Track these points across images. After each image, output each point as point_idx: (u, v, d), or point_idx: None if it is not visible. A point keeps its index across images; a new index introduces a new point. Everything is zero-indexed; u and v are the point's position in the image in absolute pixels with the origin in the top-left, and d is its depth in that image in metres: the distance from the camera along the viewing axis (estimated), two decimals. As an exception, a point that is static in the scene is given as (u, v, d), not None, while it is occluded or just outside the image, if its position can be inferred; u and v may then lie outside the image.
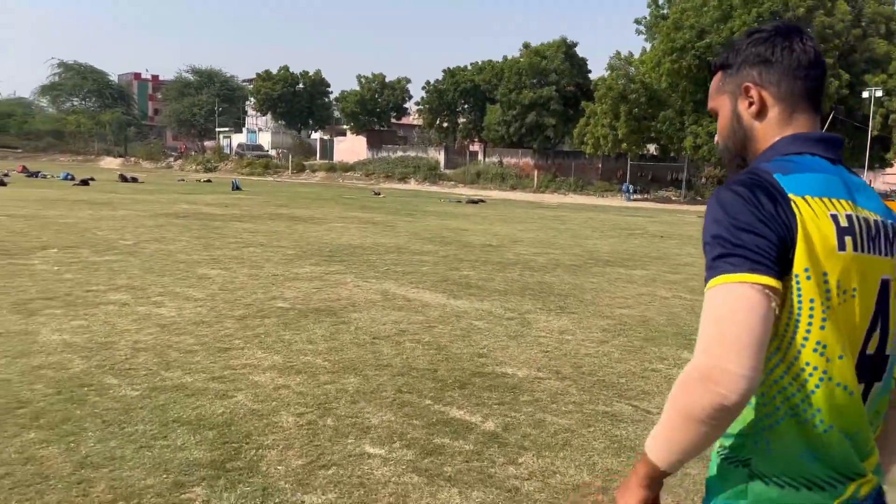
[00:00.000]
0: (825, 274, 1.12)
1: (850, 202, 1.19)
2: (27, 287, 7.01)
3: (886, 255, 1.20)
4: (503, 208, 25.11)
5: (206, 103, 72.93)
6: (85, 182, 26.07)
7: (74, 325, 5.63)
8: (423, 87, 59.14)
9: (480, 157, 48.82)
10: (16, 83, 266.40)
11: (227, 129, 71.05)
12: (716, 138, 1.37)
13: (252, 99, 67.66)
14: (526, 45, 43.94)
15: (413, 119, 68.15)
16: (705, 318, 1.10)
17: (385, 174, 43.91)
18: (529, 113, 41.33)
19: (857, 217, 1.18)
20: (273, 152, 59.04)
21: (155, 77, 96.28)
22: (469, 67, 58.26)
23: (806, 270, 1.11)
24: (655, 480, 1.18)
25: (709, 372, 1.05)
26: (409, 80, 59.34)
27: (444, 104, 58.80)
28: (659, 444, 1.14)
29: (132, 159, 50.40)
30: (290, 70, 65.69)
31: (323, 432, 3.61)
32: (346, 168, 45.99)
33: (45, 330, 5.44)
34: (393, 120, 62.48)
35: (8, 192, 20.22)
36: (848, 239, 1.15)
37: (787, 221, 1.12)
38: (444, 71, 58.80)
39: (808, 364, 1.12)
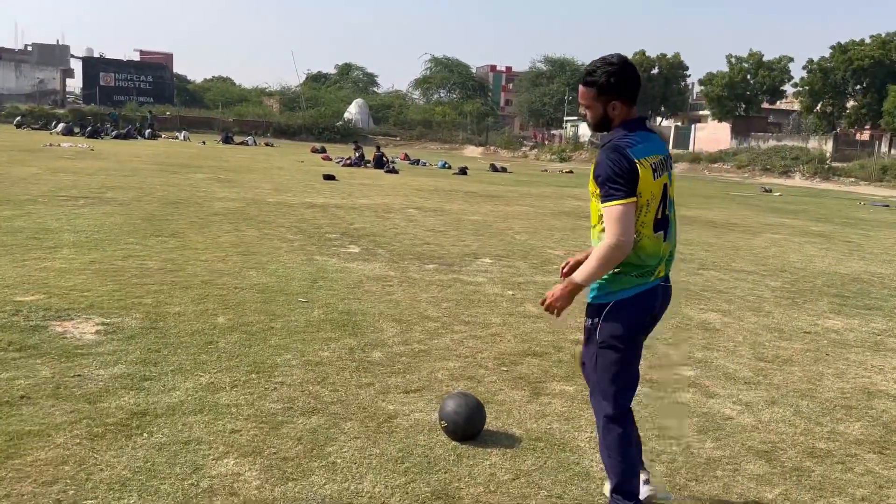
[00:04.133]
0: (652, 193, 2.54)
1: (655, 154, 2.58)
2: (502, 334, 5.27)
3: (664, 173, 2.61)
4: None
5: (557, 92, 73.09)
6: (463, 171, 26.27)
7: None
8: (805, 67, 51.15)
9: (885, 148, 40.04)
10: (393, 79, 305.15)
11: (574, 118, 70.28)
12: (587, 116, 2.68)
13: (604, 86, 65.58)
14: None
15: (786, 104, 59.84)
16: (608, 220, 2.50)
17: (762, 167, 38.27)
18: (973, 93, 32.20)
19: (657, 160, 2.58)
20: (625, 141, 56.34)
21: (508, 68, 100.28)
22: (868, 41, 48.70)
23: (639, 194, 2.50)
24: (576, 293, 2.60)
25: (617, 243, 2.47)
26: (791, 59, 51.63)
27: (829, 86, 50.14)
28: (585, 276, 2.56)
29: (492, 148, 51.94)
30: (647, 54, 62.13)
31: None
32: (713, 159, 41.30)
33: (586, 459, 3.43)
34: (764, 105, 55.20)
35: (402, 181, 20.67)
36: (655, 174, 2.55)
37: (634, 172, 2.49)
38: (832, 47, 50.06)
39: (638, 228, 2.54)
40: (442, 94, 77.79)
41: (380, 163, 26.88)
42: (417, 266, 7.51)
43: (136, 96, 58.56)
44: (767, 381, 4.44)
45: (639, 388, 2.85)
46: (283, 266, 7.02)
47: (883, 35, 47.94)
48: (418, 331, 5.07)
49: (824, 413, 3.92)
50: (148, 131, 38.97)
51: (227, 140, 39.43)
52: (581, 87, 2.62)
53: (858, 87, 49.80)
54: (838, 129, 51.55)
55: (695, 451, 3.38)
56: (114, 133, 35.80)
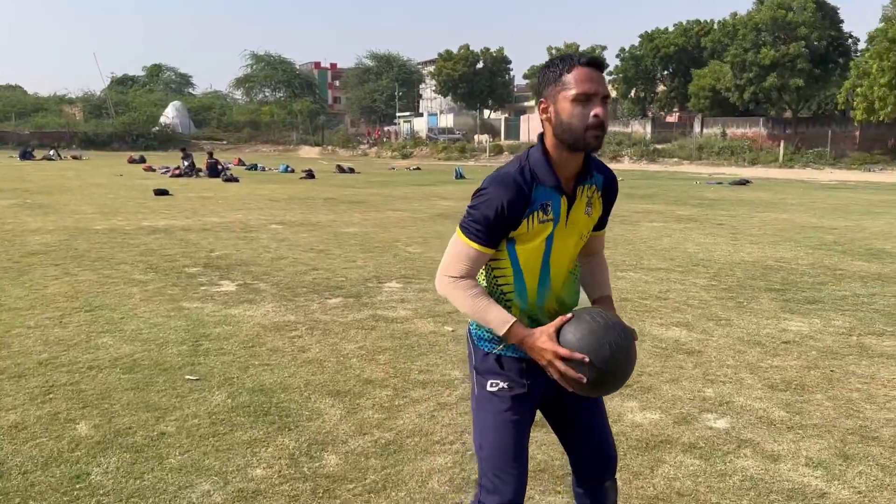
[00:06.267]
0: None
1: None
2: (464, 386, 4.15)
3: None
4: (790, 190, 20.51)
5: (387, 88, 72.34)
6: (310, 175, 24.62)
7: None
8: (618, 55, 54.26)
9: (697, 128, 43.28)
10: (210, 78, 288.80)
11: (407, 113, 70.07)
12: (605, 115, 1.78)
13: (433, 81, 65.79)
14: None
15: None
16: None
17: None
18: (769, 75, 35.47)
19: None
20: (458, 134, 56.90)
21: (333, 65, 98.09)
22: (671, 29, 52.56)
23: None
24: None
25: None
26: (604, 48, 54.71)
27: (641, 72, 53.56)
28: None
29: (329, 148, 50.10)
30: (471, 48, 63.07)
31: None
32: (548, 148, 42.40)
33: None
34: (585, 93, 57.83)
35: (247, 191, 18.74)
36: None
37: None
38: (641, 36, 53.54)
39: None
40: (267, 93, 74.45)
41: (214, 171, 24.60)
42: (319, 303, 6.17)
43: None
44: (808, 421, 3.70)
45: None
46: (146, 323, 5.40)
47: (684, 23, 51.89)
48: (369, 407, 3.82)
49: (911, 464, 3.22)
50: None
51: (26, 155, 34.57)
52: (598, 73, 1.82)
53: (666, 72, 53.61)
54: (651, 113, 55.29)
55: (833, 564, 2.48)
56: None
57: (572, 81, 1.78)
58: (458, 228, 1.87)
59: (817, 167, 32.24)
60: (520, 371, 1.94)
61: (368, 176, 26.72)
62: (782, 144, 34.55)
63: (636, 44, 53.32)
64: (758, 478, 3.08)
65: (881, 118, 29.55)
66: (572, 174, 1.89)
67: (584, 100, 1.77)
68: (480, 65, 62.87)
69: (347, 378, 4.26)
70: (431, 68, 66.75)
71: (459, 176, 25.24)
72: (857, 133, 34.72)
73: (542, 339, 1.80)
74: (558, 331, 1.81)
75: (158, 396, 3.89)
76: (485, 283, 1.96)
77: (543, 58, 55.99)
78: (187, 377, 4.20)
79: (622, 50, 53.48)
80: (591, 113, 1.77)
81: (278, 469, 3.10)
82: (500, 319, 1.81)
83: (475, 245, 1.83)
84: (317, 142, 53.55)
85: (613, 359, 1.77)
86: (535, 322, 1.93)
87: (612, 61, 63.27)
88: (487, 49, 63.10)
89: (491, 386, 1.95)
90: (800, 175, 29.38)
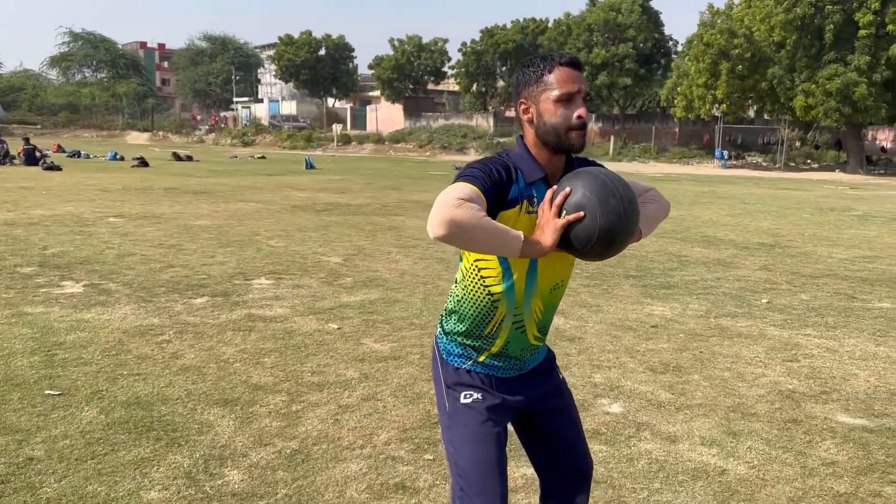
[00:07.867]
0: None
1: None
2: (379, 393, 4.00)
3: None
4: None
5: (222, 72, 68.83)
6: (143, 163, 22.86)
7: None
8: (459, 49, 55.33)
9: (536, 123, 45.19)
10: (19, 56, 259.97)
11: (246, 98, 67.12)
12: (586, 116, 1.76)
13: (273, 66, 63.48)
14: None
15: (445, 84, 64.33)
16: None
17: (441, 145, 40.52)
18: (601, 73, 37.79)
19: None
20: (304, 122, 55.51)
21: (161, 45, 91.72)
22: (510, 26, 54.48)
23: None
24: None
25: None
26: (447, 41, 55.49)
27: (482, 68, 55.06)
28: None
29: (160, 133, 46.85)
30: (313, 34, 61.53)
31: None
32: (396, 139, 42.59)
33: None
34: (430, 86, 58.58)
35: (74, 180, 17.06)
36: None
37: None
38: (481, 31, 54.98)
39: None
40: (87, 74, 68.32)
41: (32, 158, 22.28)
42: (183, 303, 5.70)
43: None
44: (693, 402, 3.94)
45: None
46: (-18, 332, 4.71)
47: (521, 21, 53.97)
48: (264, 415, 3.56)
49: (788, 438, 3.51)
50: None
51: None
52: (579, 73, 1.79)
53: (505, 68, 55.54)
54: (492, 108, 57.08)
55: (746, 537, 2.64)
56: None
57: (555, 82, 1.75)
58: (454, 183, 1.67)
59: (643, 161, 34.87)
60: (491, 384, 1.88)
61: (209, 165, 25.31)
62: (612, 139, 37.06)
63: (477, 38, 54.67)
64: (662, 460, 3.22)
65: (700, 115, 32.48)
66: (556, 172, 1.84)
67: (567, 100, 1.75)
68: (323, 51, 61.56)
69: (233, 385, 3.95)
70: (271, 52, 64.35)
71: (310, 166, 24.58)
72: (677, 129, 38.00)
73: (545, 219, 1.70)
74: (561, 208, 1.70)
75: (16, 416, 3.39)
76: (470, 287, 1.84)
77: (386, 49, 56.15)
78: (47, 392, 3.70)
79: (463, 44, 54.58)
80: (575, 115, 1.75)
81: (176, 490, 2.80)
82: (513, 231, 1.63)
83: (475, 187, 1.64)
84: (146, 127, 49.96)
85: (618, 212, 1.70)
86: (519, 325, 1.85)
87: (454, 55, 64.45)
88: (329, 36, 61.90)
89: (465, 398, 1.87)
90: (628, 168, 31.60)
